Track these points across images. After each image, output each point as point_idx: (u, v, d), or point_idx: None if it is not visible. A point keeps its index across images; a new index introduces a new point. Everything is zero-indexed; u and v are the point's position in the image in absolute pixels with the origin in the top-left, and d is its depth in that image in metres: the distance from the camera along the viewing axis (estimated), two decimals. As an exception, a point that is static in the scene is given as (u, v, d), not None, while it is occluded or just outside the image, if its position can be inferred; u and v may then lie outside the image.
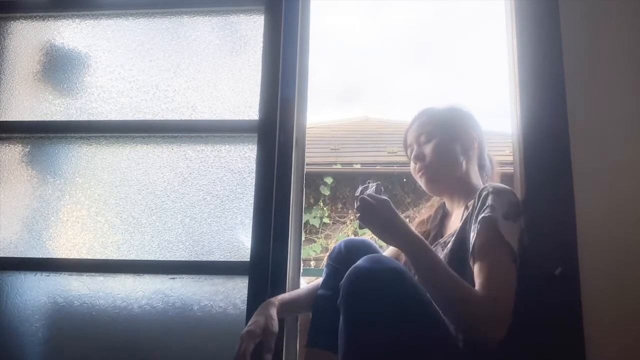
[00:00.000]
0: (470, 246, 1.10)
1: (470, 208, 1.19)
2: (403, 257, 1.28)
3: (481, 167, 1.35)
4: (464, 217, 1.21)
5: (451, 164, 1.29)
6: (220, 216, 1.27)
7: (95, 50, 1.41)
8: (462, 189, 1.29)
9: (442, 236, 1.31)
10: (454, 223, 1.28)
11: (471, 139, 1.32)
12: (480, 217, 1.10)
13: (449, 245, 1.21)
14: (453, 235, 1.22)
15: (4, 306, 1.26)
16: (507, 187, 1.15)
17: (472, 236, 1.11)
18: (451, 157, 1.30)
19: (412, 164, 1.35)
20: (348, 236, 6.78)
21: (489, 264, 1.05)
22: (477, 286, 1.03)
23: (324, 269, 1.36)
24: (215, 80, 1.35)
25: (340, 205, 7.00)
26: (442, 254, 1.24)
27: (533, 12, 1.24)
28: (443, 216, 1.37)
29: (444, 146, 1.29)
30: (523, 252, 1.09)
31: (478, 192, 1.17)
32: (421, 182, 1.32)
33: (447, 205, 1.35)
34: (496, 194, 1.11)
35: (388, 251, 1.38)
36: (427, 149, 1.30)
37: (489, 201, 1.11)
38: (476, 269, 1.07)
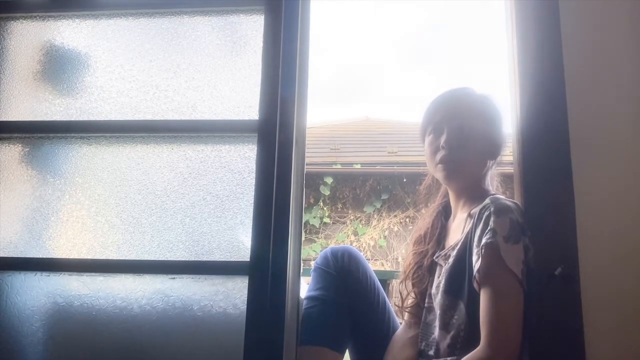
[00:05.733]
0: (475, 271, 1.11)
1: (473, 221, 1.18)
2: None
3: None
4: (465, 230, 1.21)
5: (478, 166, 1.27)
6: (220, 216, 1.27)
7: (95, 50, 1.41)
8: (472, 191, 1.27)
9: (443, 247, 1.30)
10: (456, 232, 1.27)
11: (502, 144, 1.29)
12: (482, 242, 1.10)
13: (451, 261, 1.21)
14: (454, 249, 1.22)
15: (4, 306, 1.26)
16: (508, 203, 1.14)
17: (475, 260, 1.12)
18: (481, 160, 1.27)
19: (432, 143, 1.28)
20: (348, 236, 6.78)
21: (494, 296, 1.08)
22: (481, 317, 1.08)
23: (312, 273, 1.37)
24: (215, 80, 1.35)
25: (340, 205, 7.01)
26: (443, 267, 1.24)
27: (533, 12, 1.24)
28: (442, 228, 1.35)
29: (480, 148, 1.25)
30: (529, 270, 1.10)
31: (480, 208, 1.16)
32: (439, 172, 1.27)
33: (452, 202, 1.33)
34: (497, 214, 1.11)
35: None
36: (462, 143, 1.23)
37: (491, 223, 1.10)
38: (482, 298, 1.09)
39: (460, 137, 1.23)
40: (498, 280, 1.08)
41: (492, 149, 1.28)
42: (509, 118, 1.29)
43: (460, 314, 1.15)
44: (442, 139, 1.24)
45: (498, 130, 1.29)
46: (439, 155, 1.25)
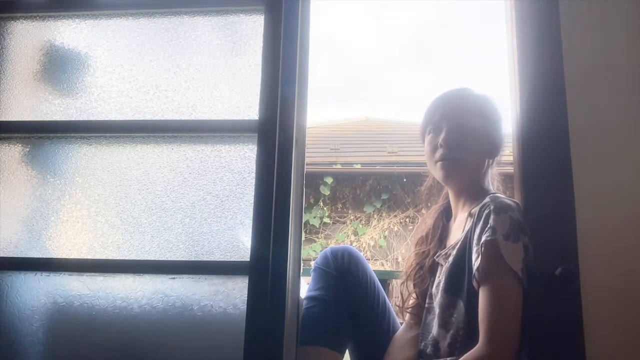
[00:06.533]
0: (474, 269, 1.11)
1: (473, 220, 1.18)
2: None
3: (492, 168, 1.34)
4: (466, 229, 1.21)
5: (477, 164, 1.27)
6: (220, 216, 1.27)
7: (95, 50, 1.41)
8: (471, 190, 1.27)
9: (444, 247, 1.31)
10: (456, 232, 1.27)
11: (500, 143, 1.29)
12: (482, 239, 1.10)
13: (450, 260, 1.22)
14: (454, 249, 1.22)
15: (4, 306, 1.26)
16: (508, 202, 1.14)
17: (475, 258, 1.12)
18: (480, 157, 1.27)
19: (431, 142, 1.29)
20: (348, 236, 6.78)
21: (493, 293, 1.08)
22: (480, 315, 1.08)
23: (312, 273, 1.37)
24: (215, 80, 1.35)
25: (340, 205, 7.01)
26: (444, 266, 1.24)
27: (533, 12, 1.24)
28: (443, 228, 1.36)
29: (479, 147, 1.25)
30: (529, 270, 1.10)
31: (480, 207, 1.16)
32: (438, 171, 1.27)
33: (452, 203, 1.34)
34: (497, 212, 1.11)
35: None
36: (460, 140, 1.24)
37: (490, 222, 1.10)
38: (481, 295, 1.09)
39: (459, 136, 1.24)
40: (497, 278, 1.08)
41: (491, 148, 1.28)
42: (509, 118, 1.29)
43: (459, 313, 1.15)
44: (441, 138, 1.25)
45: (497, 129, 1.29)
46: (437, 154, 1.26)
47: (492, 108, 1.31)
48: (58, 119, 1.36)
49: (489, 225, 1.10)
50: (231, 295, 1.22)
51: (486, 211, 1.13)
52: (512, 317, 1.06)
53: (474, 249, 1.13)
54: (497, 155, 1.30)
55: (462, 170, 1.25)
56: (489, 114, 1.29)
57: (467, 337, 1.13)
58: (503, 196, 1.18)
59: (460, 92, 1.33)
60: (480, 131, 1.25)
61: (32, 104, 1.38)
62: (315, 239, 6.85)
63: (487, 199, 1.16)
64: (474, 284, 1.11)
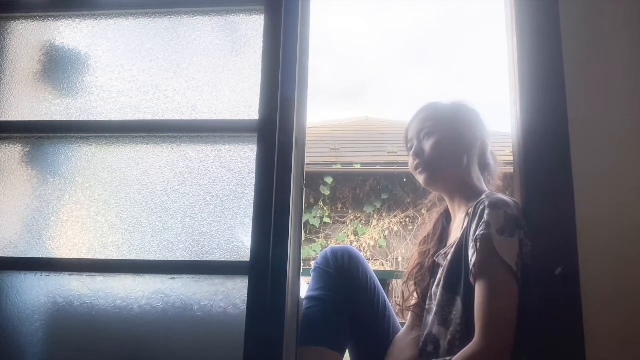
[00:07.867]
0: (471, 265, 1.12)
1: (469, 217, 1.20)
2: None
3: (484, 167, 1.35)
4: (464, 227, 1.22)
5: (451, 162, 1.30)
6: (220, 216, 1.27)
7: (95, 50, 1.41)
8: (463, 190, 1.29)
9: (444, 246, 1.32)
10: (456, 231, 1.29)
11: (473, 137, 1.33)
12: (477, 235, 1.11)
13: (449, 258, 1.23)
14: (452, 247, 1.24)
15: (4, 306, 1.26)
16: (504, 198, 1.16)
17: (471, 254, 1.13)
18: (452, 154, 1.30)
19: (410, 160, 1.35)
20: (348, 236, 6.78)
21: (487, 287, 1.09)
22: (476, 310, 1.09)
23: (312, 273, 1.38)
24: (215, 80, 1.35)
25: (340, 205, 7.01)
26: (443, 265, 1.25)
27: (533, 12, 1.24)
28: (443, 229, 1.37)
29: (445, 143, 1.30)
30: (525, 265, 1.10)
31: (476, 204, 1.18)
32: (419, 179, 1.32)
33: (450, 207, 1.36)
34: (491, 207, 1.13)
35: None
36: (427, 145, 1.30)
37: (485, 217, 1.13)
38: (476, 291, 1.10)
39: (426, 143, 1.30)
40: (492, 273, 1.09)
41: (465, 145, 1.30)
42: (509, 118, 1.29)
43: (457, 310, 1.16)
44: (412, 151, 1.32)
45: (467, 126, 1.32)
46: (413, 164, 1.32)
47: (460, 110, 1.35)
48: (58, 119, 1.36)
49: (483, 220, 1.12)
50: (231, 295, 1.22)
51: (481, 207, 1.15)
52: (507, 311, 1.06)
53: (470, 245, 1.14)
54: (472, 148, 1.31)
55: (439, 172, 1.29)
56: (456, 116, 1.34)
57: (465, 334, 1.13)
58: (500, 194, 1.20)
59: (427, 106, 1.39)
60: (447, 132, 1.30)
61: (32, 104, 1.38)
62: (315, 239, 6.85)
63: (482, 196, 1.18)
64: (471, 280, 1.12)
